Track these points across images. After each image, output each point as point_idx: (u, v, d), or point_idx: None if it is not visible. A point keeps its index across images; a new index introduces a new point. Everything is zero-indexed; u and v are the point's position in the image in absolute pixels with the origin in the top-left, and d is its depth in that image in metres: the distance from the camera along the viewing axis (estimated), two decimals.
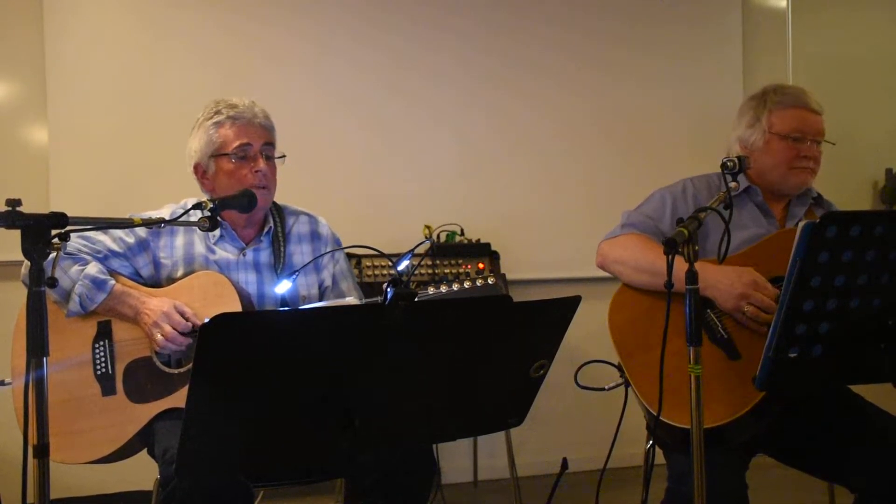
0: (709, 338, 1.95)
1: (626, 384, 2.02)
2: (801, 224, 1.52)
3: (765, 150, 2.19)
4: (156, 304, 2.04)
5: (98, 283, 2.04)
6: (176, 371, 2.05)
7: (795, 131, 2.16)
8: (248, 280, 2.18)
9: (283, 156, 2.22)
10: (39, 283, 1.42)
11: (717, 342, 1.95)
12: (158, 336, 2.01)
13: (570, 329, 1.52)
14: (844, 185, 4.14)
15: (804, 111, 2.18)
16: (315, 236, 2.29)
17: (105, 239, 2.12)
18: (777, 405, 1.89)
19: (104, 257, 2.11)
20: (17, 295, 1.51)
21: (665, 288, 1.58)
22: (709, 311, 1.98)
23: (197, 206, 1.89)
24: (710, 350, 1.93)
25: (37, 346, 1.41)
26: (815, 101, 2.20)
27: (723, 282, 1.93)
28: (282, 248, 2.22)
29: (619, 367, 2.05)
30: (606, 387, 2.07)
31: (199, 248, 2.17)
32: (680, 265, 1.60)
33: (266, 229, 2.23)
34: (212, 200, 1.89)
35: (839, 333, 1.60)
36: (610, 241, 2.20)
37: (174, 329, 2.01)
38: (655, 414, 1.76)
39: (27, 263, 1.53)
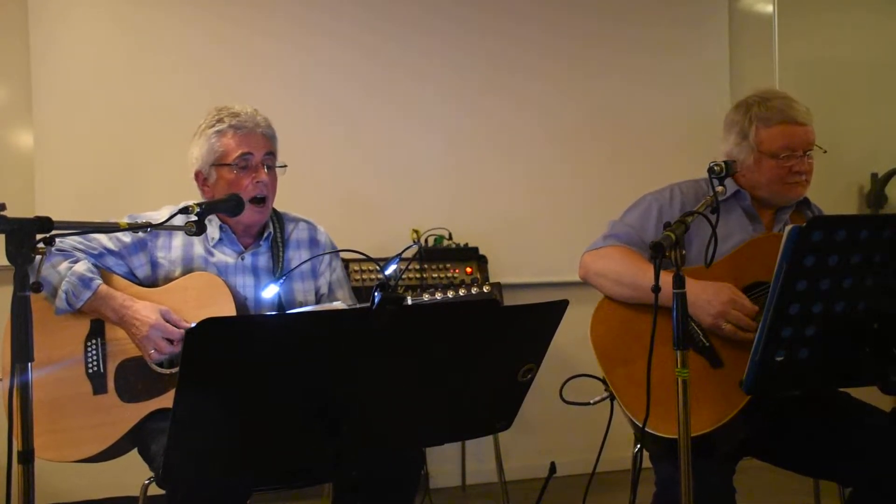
0: (691, 347, 1.95)
1: (611, 397, 2.00)
2: (787, 228, 1.52)
3: (756, 168, 2.16)
4: (142, 313, 2.02)
5: (85, 281, 2.02)
6: (168, 371, 2.03)
7: (785, 149, 2.12)
8: (246, 284, 2.18)
9: (285, 165, 2.21)
10: (24, 287, 1.41)
11: (699, 351, 1.95)
12: (155, 354, 2.01)
13: (559, 334, 1.52)
14: (830, 190, 4.17)
15: (791, 126, 2.13)
16: (314, 243, 2.30)
17: (101, 237, 2.11)
18: (761, 410, 1.89)
19: (99, 255, 2.11)
20: (8, 299, 1.49)
21: (652, 292, 1.58)
22: (690, 319, 1.97)
23: (183, 211, 1.88)
24: (692, 359, 1.93)
25: (21, 350, 1.40)
26: (802, 111, 2.15)
27: (701, 297, 1.92)
28: (281, 254, 2.22)
29: (603, 381, 2.04)
30: (591, 401, 2.06)
31: (198, 249, 2.17)
32: (661, 277, 1.59)
33: (265, 234, 2.23)
34: (199, 205, 1.88)
35: (825, 337, 1.61)
36: (592, 252, 2.17)
37: (169, 341, 2.01)
38: (641, 425, 1.75)
39: None
